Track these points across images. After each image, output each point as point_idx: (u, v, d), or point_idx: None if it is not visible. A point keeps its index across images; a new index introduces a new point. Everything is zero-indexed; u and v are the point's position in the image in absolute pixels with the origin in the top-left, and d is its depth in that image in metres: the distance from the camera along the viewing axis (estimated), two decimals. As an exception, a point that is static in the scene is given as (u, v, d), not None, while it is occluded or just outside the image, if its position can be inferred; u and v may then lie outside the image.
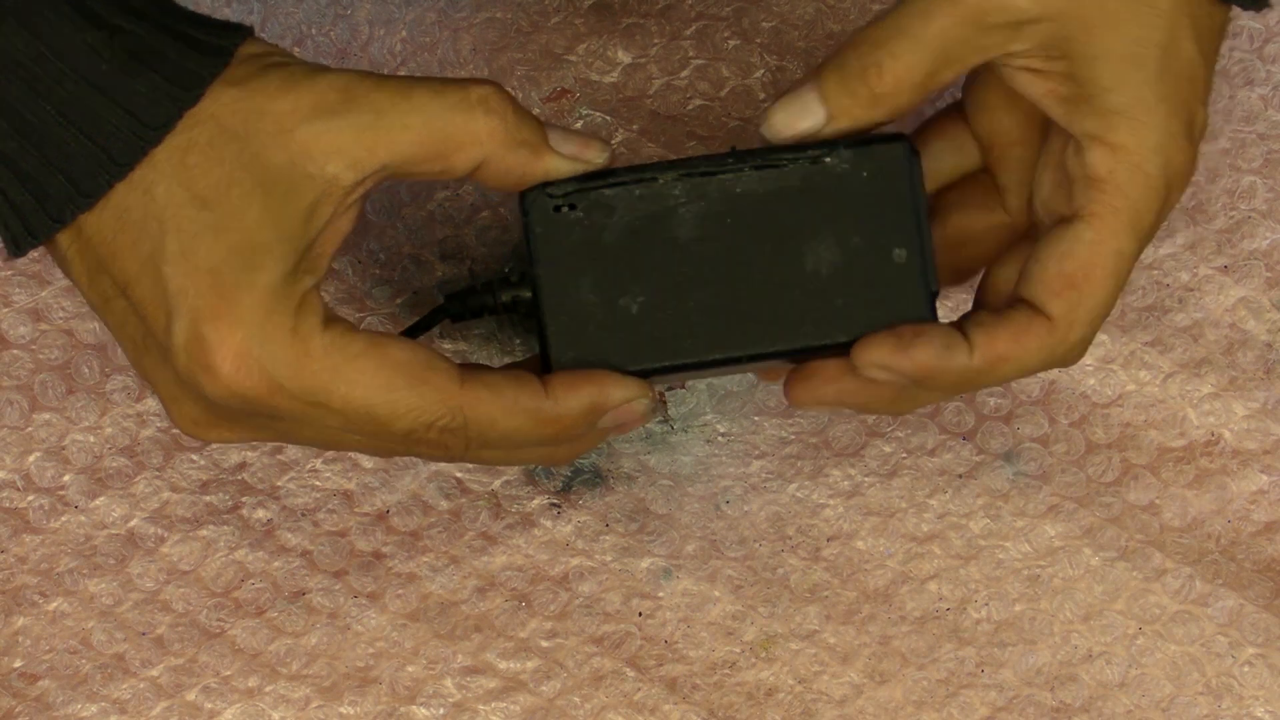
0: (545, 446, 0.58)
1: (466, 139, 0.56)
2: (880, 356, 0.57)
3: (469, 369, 0.57)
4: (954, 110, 0.62)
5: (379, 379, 0.55)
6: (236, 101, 0.55)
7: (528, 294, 0.60)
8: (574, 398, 0.57)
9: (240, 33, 0.56)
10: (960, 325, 0.58)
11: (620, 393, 0.58)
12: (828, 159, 0.58)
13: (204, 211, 0.54)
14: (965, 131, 0.62)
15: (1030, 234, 0.61)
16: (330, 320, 0.56)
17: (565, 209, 0.58)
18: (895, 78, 0.57)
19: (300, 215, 0.55)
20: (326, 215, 0.56)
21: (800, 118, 0.58)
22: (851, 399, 0.59)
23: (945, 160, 0.62)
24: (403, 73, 0.72)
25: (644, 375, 0.58)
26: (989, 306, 0.60)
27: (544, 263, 0.58)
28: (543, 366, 0.58)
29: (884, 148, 0.58)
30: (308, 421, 0.56)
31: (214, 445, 0.69)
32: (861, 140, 0.58)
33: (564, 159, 0.58)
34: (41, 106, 0.54)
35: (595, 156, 0.58)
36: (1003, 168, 0.61)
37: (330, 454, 0.70)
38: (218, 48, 0.55)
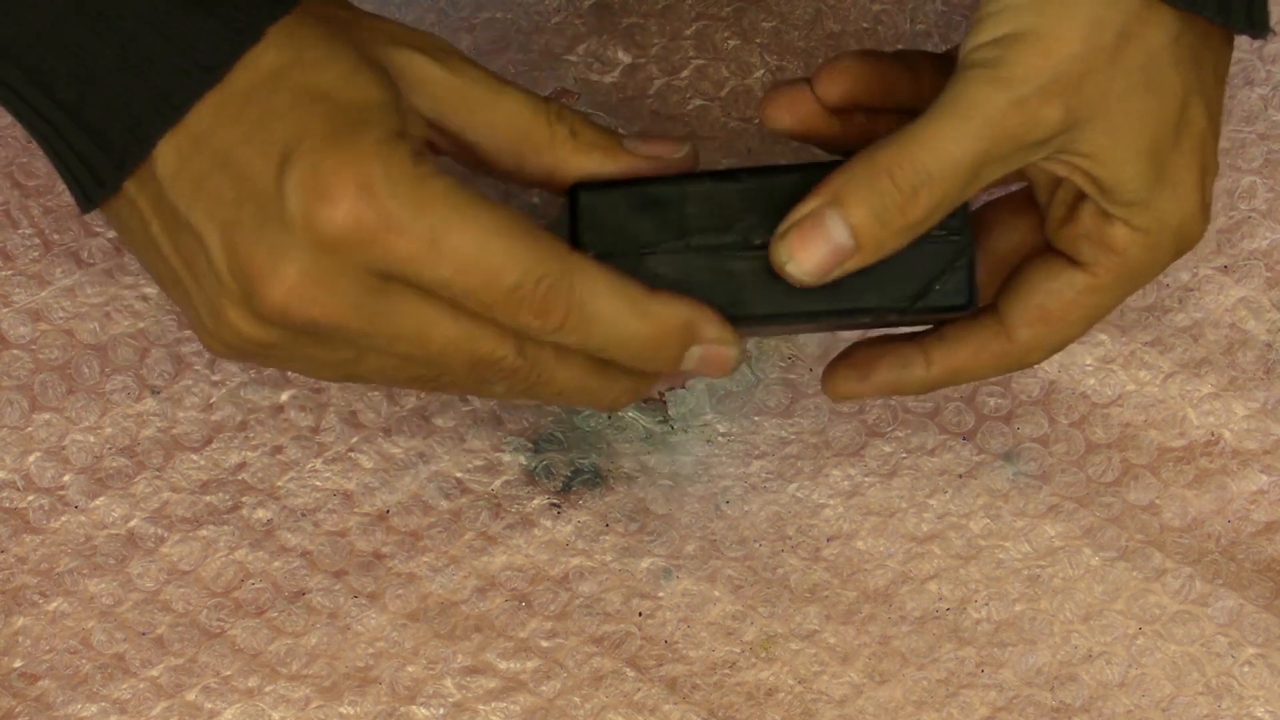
0: (625, 372, 0.58)
1: (541, 142, 0.57)
2: (845, 389, 0.61)
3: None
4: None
5: (495, 223, 0.53)
6: (341, 12, 0.55)
7: None
8: (676, 309, 0.56)
9: None
10: (923, 340, 0.60)
11: (715, 329, 0.57)
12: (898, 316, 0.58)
13: (313, 73, 0.53)
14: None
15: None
16: (443, 174, 0.54)
17: (613, 196, 0.57)
18: (931, 206, 0.55)
19: (400, 102, 0.55)
20: (412, 129, 0.55)
21: (825, 252, 0.56)
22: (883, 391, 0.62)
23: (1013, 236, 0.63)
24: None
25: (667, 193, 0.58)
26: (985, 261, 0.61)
27: (588, 238, 0.57)
28: None
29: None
30: (415, 278, 0.54)
31: (214, 447, 0.70)
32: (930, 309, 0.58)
33: (643, 160, 0.58)
34: (104, 50, 0.53)
35: (674, 151, 0.58)
36: (1050, 199, 0.61)
37: (330, 454, 0.70)
38: None
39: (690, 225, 0.57)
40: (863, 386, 0.61)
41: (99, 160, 0.55)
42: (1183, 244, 0.59)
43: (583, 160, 0.57)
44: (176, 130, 0.54)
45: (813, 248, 0.56)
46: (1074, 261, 0.59)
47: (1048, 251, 0.60)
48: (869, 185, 0.55)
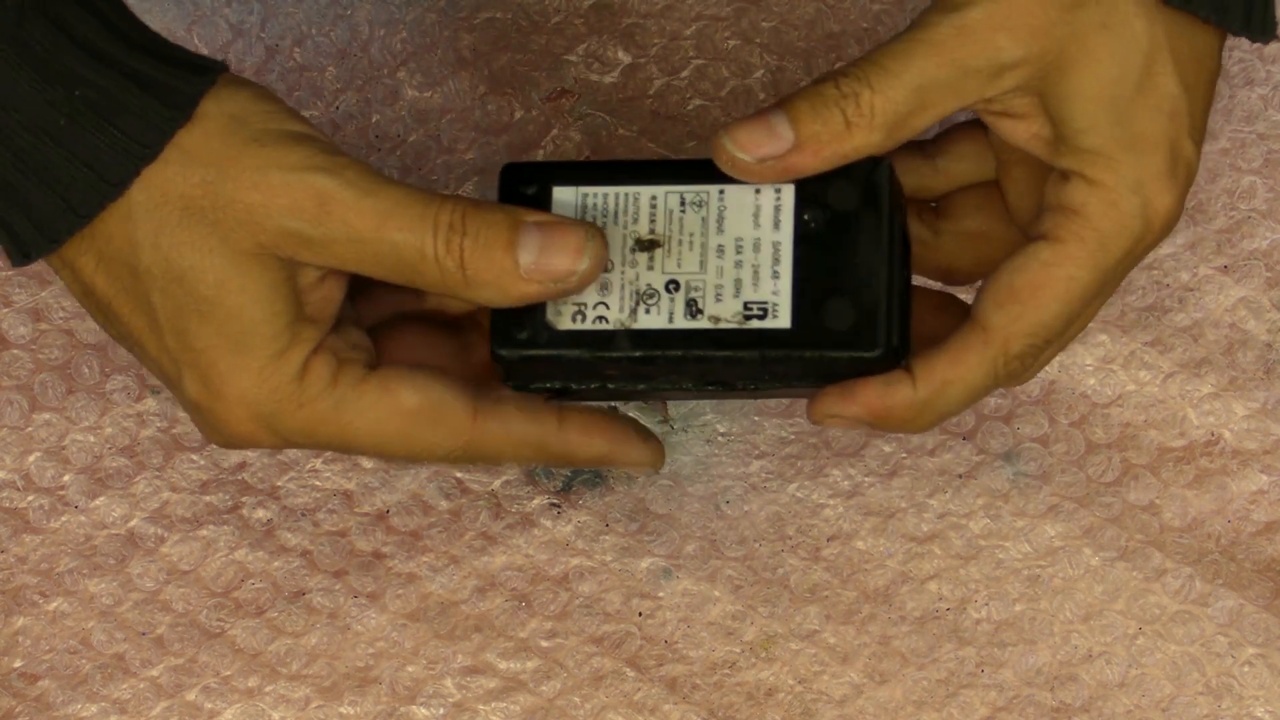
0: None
1: (432, 279, 0.56)
2: (829, 408, 0.58)
3: (484, 395, 0.58)
4: (976, 123, 0.62)
5: (391, 426, 0.57)
6: (205, 186, 0.54)
7: None
8: (587, 445, 0.59)
9: (209, 75, 0.55)
10: (907, 362, 0.59)
11: (630, 454, 0.60)
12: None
13: (185, 293, 0.55)
14: (984, 139, 0.61)
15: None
16: (340, 369, 0.56)
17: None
18: (871, 110, 0.55)
19: (279, 288, 0.55)
20: (311, 278, 0.56)
21: (765, 141, 0.56)
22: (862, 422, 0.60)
23: (962, 163, 0.62)
24: (401, 73, 0.72)
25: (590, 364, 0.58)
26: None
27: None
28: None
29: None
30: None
31: (214, 447, 0.69)
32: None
33: (538, 286, 0.56)
34: (2, 155, 0.54)
35: (574, 265, 0.56)
36: (1008, 184, 0.61)
37: (330, 454, 0.70)
38: (184, 97, 0.54)
39: (607, 379, 0.59)
40: (848, 405, 0.58)
41: (8, 247, 0.56)
42: (1149, 210, 0.57)
43: (476, 292, 0.56)
44: (69, 263, 0.56)
45: (754, 134, 0.56)
46: (1037, 240, 0.57)
47: (1016, 238, 0.59)
48: (815, 89, 0.56)
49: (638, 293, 0.57)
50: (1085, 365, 0.71)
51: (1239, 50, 0.74)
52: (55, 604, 0.68)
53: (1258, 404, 0.71)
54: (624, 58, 0.73)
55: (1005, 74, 0.56)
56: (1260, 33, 0.58)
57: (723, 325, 0.56)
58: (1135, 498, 0.70)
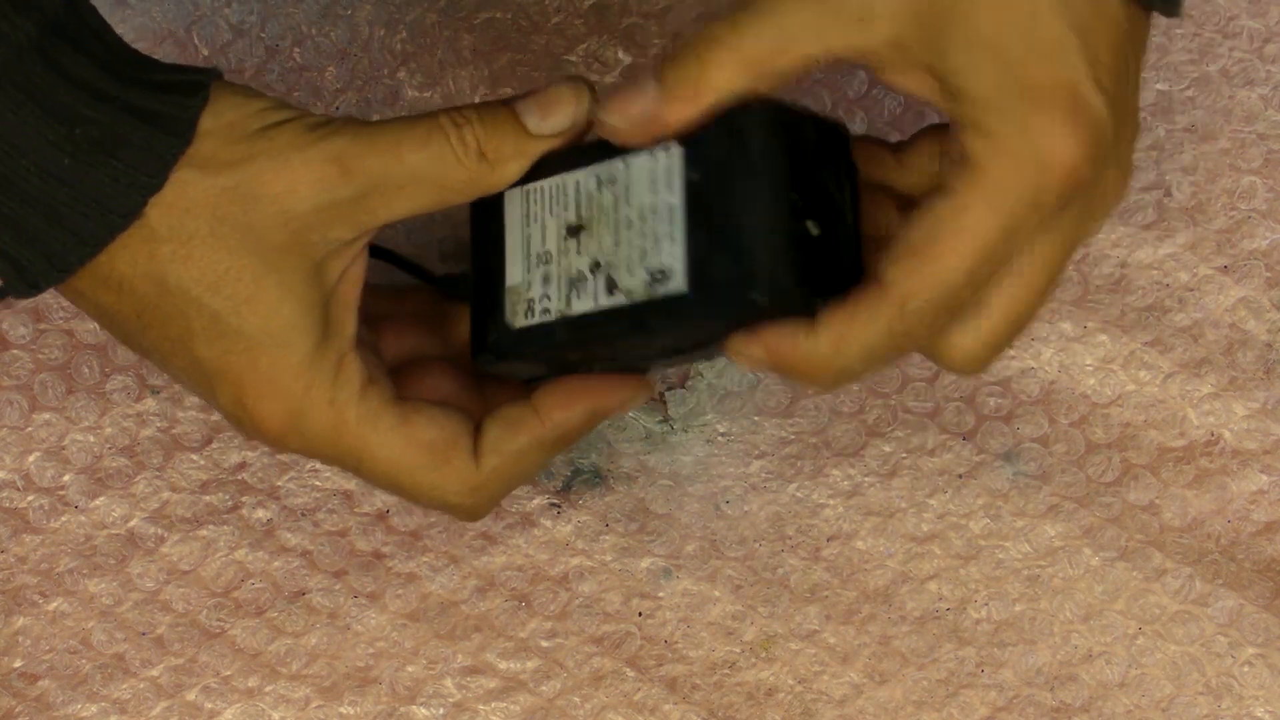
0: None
1: (459, 180, 0.58)
2: (737, 345, 0.57)
3: (481, 427, 0.60)
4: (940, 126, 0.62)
5: (405, 457, 0.59)
6: (229, 191, 0.55)
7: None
8: (571, 415, 0.60)
9: (201, 93, 0.56)
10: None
11: (620, 396, 0.60)
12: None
13: (221, 298, 0.56)
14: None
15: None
16: (368, 385, 0.58)
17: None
18: (730, 46, 0.55)
19: (312, 280, 0.57)
20: (337, 271, 0.57)
21: (635, 99, 0.56)
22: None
23: (928, 159, 0.60)
24: (402, 73, 0.72)
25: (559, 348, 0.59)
26: None
27: (475, 259, 0.60)
28: (473, 349, 0.60)
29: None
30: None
31: (214, 447, 0.70)
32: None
33: (554, 138, 0.58)
34: (7, 197, 0.54)
35: (578, 108, 0.58)
36: None
37: (330, 454, 0.70)
38: (182, 123, 0.55)
39: (569, 359, 0.60)
40: (750, 344, 0.56)
41: (13, 280, 0.56)
42: (1045, 156, 0.54)
43: (501, 174, 0.58)
44: (90, 296, 0.57)
45: (624, 95, 0.56)
46: (934, 194, 0.55)
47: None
48: (680, 50, 0.56)
49: (570, 280, 0.58)
50: (1085, 365, 0.71)
51: (1239, 50, 0.74)
52: (55, 604, 0.68)
53: (1258, 404, 0.71)
54: (624, 58, 0.73)
55: (876, 22, 0.54)
56: (1166, 6, 0.56)
57: (635, 299, 0.56)
58: (1135, 498, 0.70)
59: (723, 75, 0.55)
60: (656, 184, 0.56)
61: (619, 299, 0.56)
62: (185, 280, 0.56)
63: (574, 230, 0.58)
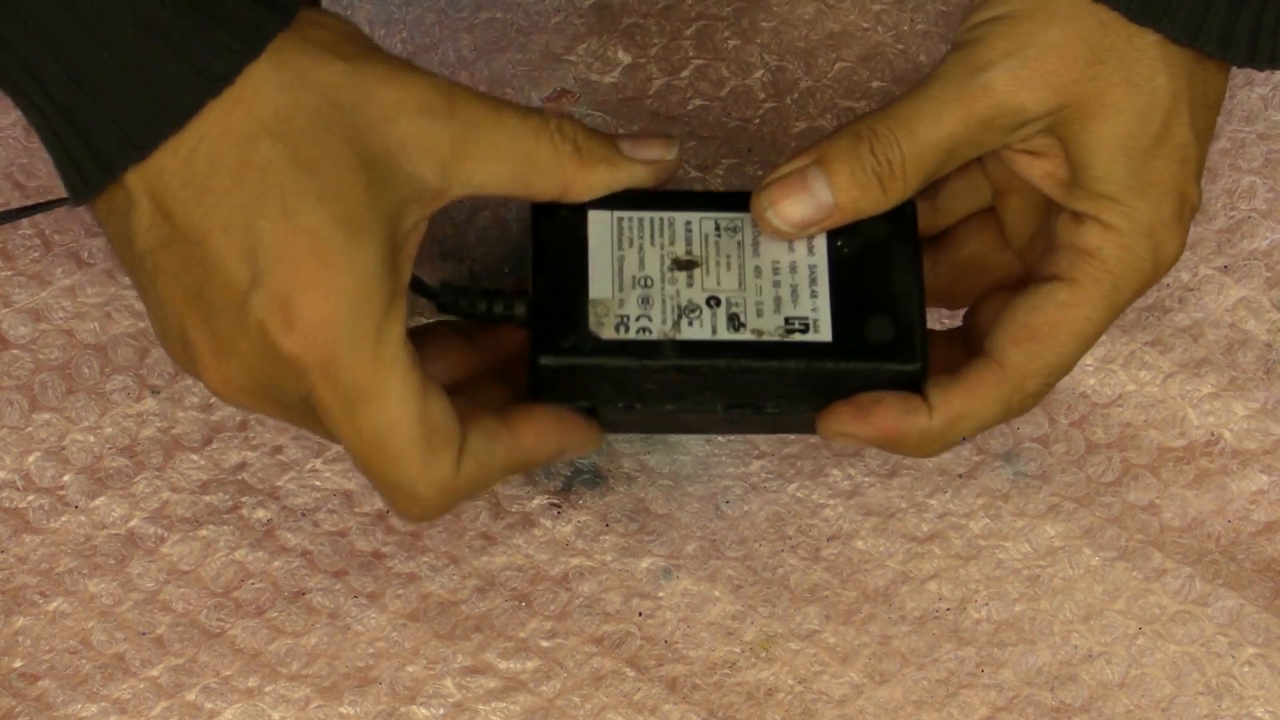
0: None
1: (549, 164, 0.57)
2: (841, 425, 0.59)
3: (467, 424, 0.58)
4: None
5: (407, 426, 0.56)
6: (345, 76, 0.54)
7: (521, 308, 0.60)
8: (543, 445, 0.59)
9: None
10: (926, 388, 0.60)
11: (578, 442, 0.60)
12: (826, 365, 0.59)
13: (309, 176, 0.54)
14: (980, 172, 0.63)
15: (1015, 282, 0.62)
16: (407, 338, 0.56)
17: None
18: (906, 175, 0.57)
19: (396, 207, 0.55)
20: (413, 218, 0.56)
21: (807, 208, 0.58)
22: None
23: (960, 199, 0.63)
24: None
25: (625, 375, 0.59)
26: (969, 343, 0.62)
27: (542, 268, 0.59)
28: (529, 380, 0.59)
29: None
30: (327, 418, 0.56)
31: (214, 447, 0.70)
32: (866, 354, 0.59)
33: (642, 165, 0.59)
34: (98, 54, 0.53)
35: (666, 153, 0.59)
36: (1005, 212, 0.63)
37: (330, 454, 0.70)
38: (281, 4, 0.54)
39: (645, 398, 0.59)
40: (861, 426, 0.59)
41: (86, 162, 0.54)
42: (1159, 254, 0.59)
43: (589, 175, 0.58)
44: (154, 180, 0.54)
45: (795, 199, 0.58)
46: (1053, 278, 0.59)
47: (1028, 278, 0.61)
48: (851, 151, 0.58)
49: (679, 307, 0.58)
50: (1085, 365, 0.71)
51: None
52: (55, 604, 0.68)
53: (1258, 404, 0.71)
54: (624, 58, 0.73)
55: (1026, 126, 0.58)
56: (1268, 61, 0.58)
57: (765, 338, 0.58)
58: (1135, 498, 0.70)
59: (896, 195, 0.58)
60: (794, 245, 0.59)
61: (745, 335, 0.58)
62: (279, 148, 0.54)
63: (684, 264, 0.59)
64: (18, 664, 0.68)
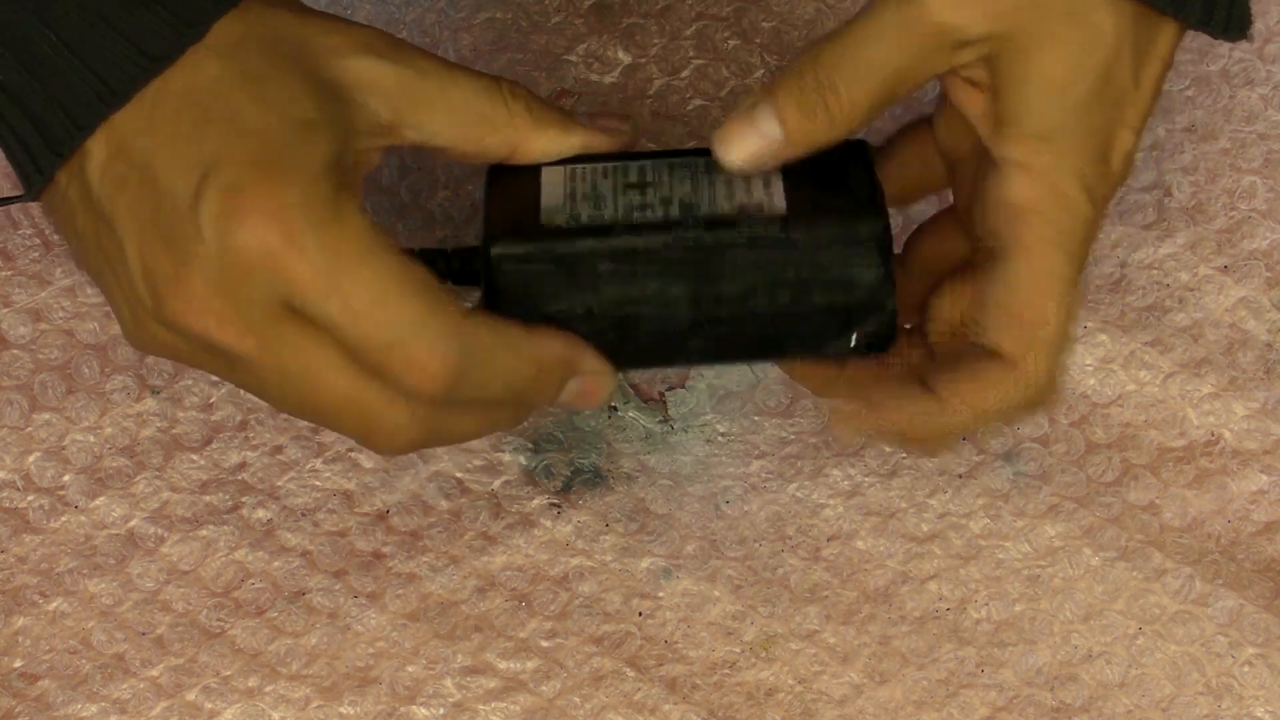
0: (509, 405, 0.58)
1: (501, 121, 0.57)
2: (854, 422, 0.59)
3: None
4: (924, 121, 0.62)
5: (399, 278, 0.53)
6: (290, 24, 0.55)
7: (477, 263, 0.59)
8: (554, 348, 0.57)
9: None
10: (926, 381, 0.59)
11: (592, 362, 0.58)
12: (781, 235, 0.58)
13: (258, 86, 0.54)
14: (932, 143, 0.62)
15: (969, 263, 0.61)
16: (371, 224, 0.54)
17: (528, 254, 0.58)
18: (852, 101, 0.57)
19: (345, 127, 0.55)
20: (364, 144, 0.56)
21: (760, 142, 0.58)
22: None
23: (911, 169, 0.63)
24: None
25: (582, 261, 0.58)
26: (934, 339, 0.61)
27: (494, 202, 0.58)
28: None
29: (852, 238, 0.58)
30: (310, 298, 0.53)
31: (214, 447, 0.70)
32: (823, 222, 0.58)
33: (596, 132, 0.59)
34: (48, 36, 0.54)
35: (621, 124, 0.59)
36: (956, 183, 0.62)
37: (330, 454, 0.70)
38: None
39: (601, 284, 0.58)
40: (871, 422, 0.60)
41: (38, 147, 0.55)
42: (1092, 195, 0.57)
43: (541, 137, 0.58)
44: (109, 126, 0.54)
45: (744, 134, 0.58)
46: (1008, 255, 0.58)
47: (976, 255, 0.60)
48: (796, 83, 0.57)
49: (631, 205, 0.58)
50: (1085, 365, 0.71)
51: (1239, 50, 0.74)
52: (55, 604, 0.68)
53: (1258, 404, 0.71)
54: (624, 58, 0.73)
55: (965, 49, 0.56)
56: (1224, 29, 0.58)
57: (718, 214, 0.58)
58: (1135, 498, 0.70)
59: (844, 126, 0.57)
60: (751, 186, 0.59)
61: (698, 213, 0.57)
62: (224, 69, 0.54)
63: (637, 185, 0.58)
64: (18, 664, 0.68)
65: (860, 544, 0.70)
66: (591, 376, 0.58)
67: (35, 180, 0.55)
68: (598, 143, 0.59)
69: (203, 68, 0.54)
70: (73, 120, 0.54)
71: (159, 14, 0.54)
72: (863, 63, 0.56)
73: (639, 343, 0.58)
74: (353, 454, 0.70)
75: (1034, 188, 0.57)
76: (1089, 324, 0.71)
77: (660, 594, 0.69)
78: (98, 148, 0.54)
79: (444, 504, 0.69)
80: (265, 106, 0.54)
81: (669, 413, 0.71)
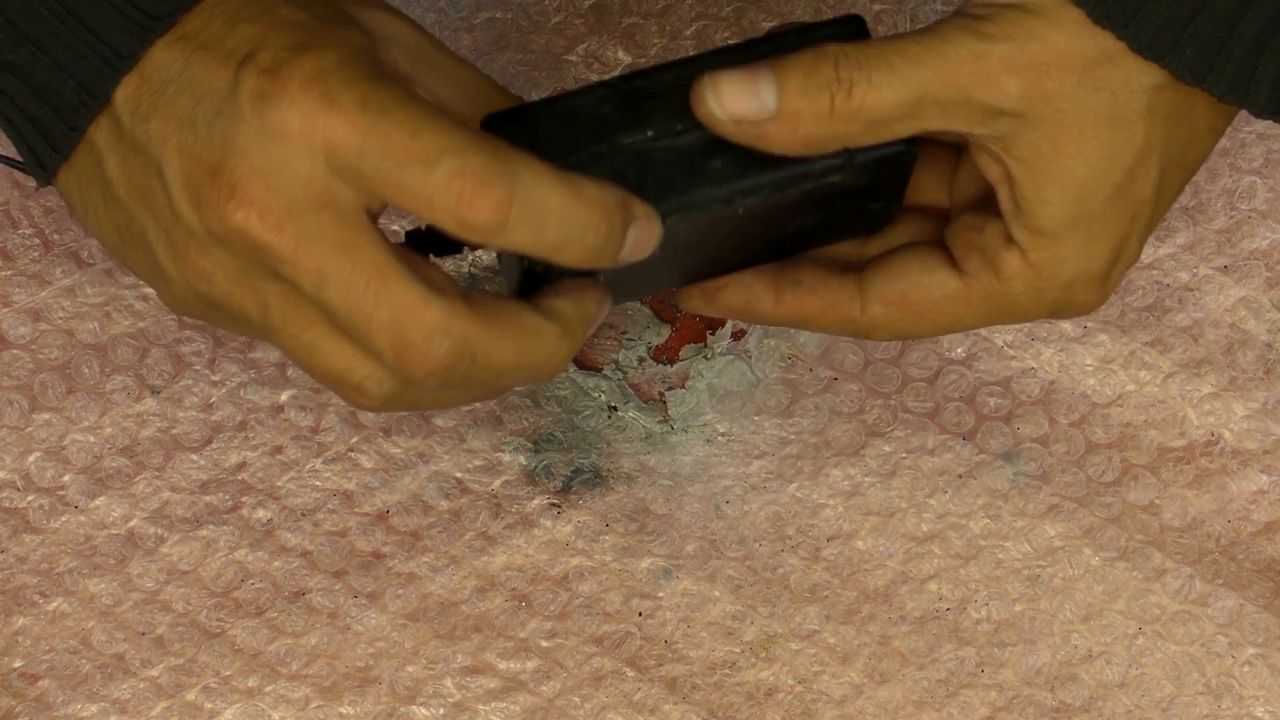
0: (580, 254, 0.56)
1: (500, 102, 0.57)
2: (691, 303, 0.61)
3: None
4: (945, 148, 0.62)
5: (441, 122, 0.52)
6: None
7: None
8: (608, 190, 0.54)
9: None
10: (778, 279, 0.60)
11: (642, 205, 0.55)
12: (836, 177, 0.56)
13: (286, 2, 0.53)
14: (948, 173, 0.61)
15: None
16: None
17: (527, 115, 0.56)
18: (861, 105, 0.54)
19: (369, 40, 0.54)
20: (390, 71, 0.56)
21: (746, 102, 0.54)
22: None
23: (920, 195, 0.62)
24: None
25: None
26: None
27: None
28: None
29: (895, 162, 0.57)
30: (327, 234, 0.52)
31: (214, 447, 0.70)
32: (874, 159, 0.56)
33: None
34: (48, 7, 0.53)
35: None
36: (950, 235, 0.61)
37: (330, 454, 0.70)
38: None
39: (608, 127, 0.56)
40: (709, 306, 0.61)
41: (52, 121, 0.54)
42: (1066, 303, 0.58)
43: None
44: (130, 74, 0.53)
45: (736, 89, 0.54)
46: (955, 267, 0.58)
47: (934, 245, 0.59)
48: (811, 61, 0.54)
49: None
50: (1085, 365, 0.71)
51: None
52: (55, 604, 0.68)
53: (1258, 404, 0.71)
54: (624, 58, 0.73)
55: (1000, 119, 0.55)
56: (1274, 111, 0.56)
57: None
58: (1135, 498, 0.70)
59: (841, 125, 0.55)
60: None
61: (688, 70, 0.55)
62: None
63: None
64: (18, 664, 0.68)
65: (860, 544, 0.70)
66: (646, 220, 0.55)
67: (50, 160, 0.54)
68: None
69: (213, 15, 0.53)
70: (87, 91, 0.53)
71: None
72: (890, 75, 0.54)
73: (661, 177, 0.56)
74: (352, 454, 0.70)
75: (1021, 271, 0.57)
76: (1089, 324, 0.71)
77: (660, 594, 0.69)
78: (122, 93, 0.53)
79: (444, 504, 0.69)
80: (298, 6, 0.53)
81: (669, 413, 0.71)
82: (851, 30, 0.56)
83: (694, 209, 0.56)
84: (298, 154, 0.51)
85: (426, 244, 0.57)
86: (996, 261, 0.57)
